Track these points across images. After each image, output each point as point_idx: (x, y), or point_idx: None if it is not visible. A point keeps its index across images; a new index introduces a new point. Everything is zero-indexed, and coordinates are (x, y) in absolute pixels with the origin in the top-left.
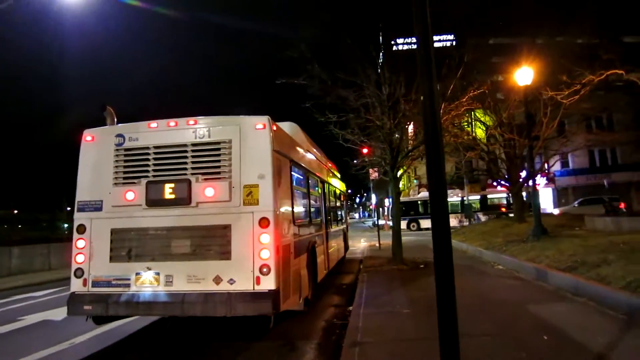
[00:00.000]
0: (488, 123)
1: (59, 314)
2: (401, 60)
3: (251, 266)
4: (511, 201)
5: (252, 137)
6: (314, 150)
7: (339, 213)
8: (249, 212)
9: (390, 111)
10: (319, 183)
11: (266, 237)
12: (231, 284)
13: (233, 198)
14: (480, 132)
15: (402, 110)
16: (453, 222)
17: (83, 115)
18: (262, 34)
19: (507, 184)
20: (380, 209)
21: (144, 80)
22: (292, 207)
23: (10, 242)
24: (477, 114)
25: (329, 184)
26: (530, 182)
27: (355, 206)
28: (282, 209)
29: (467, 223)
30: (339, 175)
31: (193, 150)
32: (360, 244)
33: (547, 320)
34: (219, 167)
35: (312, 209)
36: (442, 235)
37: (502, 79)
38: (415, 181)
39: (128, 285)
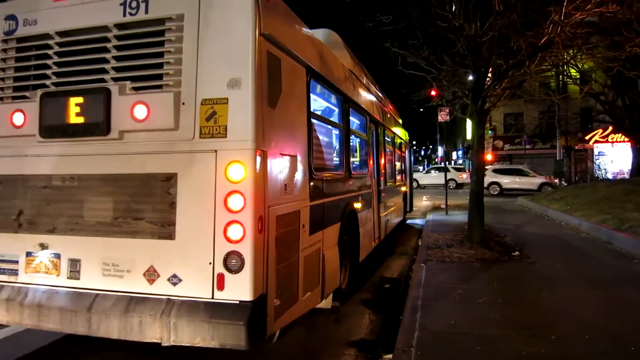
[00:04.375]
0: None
1: None
2: None
3: (209, 254)
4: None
5: (219, 10)
6: (365, 77)
7: (398, 165)
8: (210, 150)
9: (475, 7)
10: (368, 122)
11: (238, 200)
12: (174, 284)
13: (182, 124)
14: (589, 64)
15: (495, 4)
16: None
17: None
18: None
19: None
20: (447, 163)
21: None
22: (309, 147)
23: None
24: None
25: (385, 126)
26: None
27: (420, 159)
28: (281, 146)
29: (559, 184)
30: (400, 121)
31: (118, 37)
32: (421, 203)
33: None
34: (159, 65)
35: (354, 157)
36: None
37: None
38: (490, 132)
39: (15, 273)
